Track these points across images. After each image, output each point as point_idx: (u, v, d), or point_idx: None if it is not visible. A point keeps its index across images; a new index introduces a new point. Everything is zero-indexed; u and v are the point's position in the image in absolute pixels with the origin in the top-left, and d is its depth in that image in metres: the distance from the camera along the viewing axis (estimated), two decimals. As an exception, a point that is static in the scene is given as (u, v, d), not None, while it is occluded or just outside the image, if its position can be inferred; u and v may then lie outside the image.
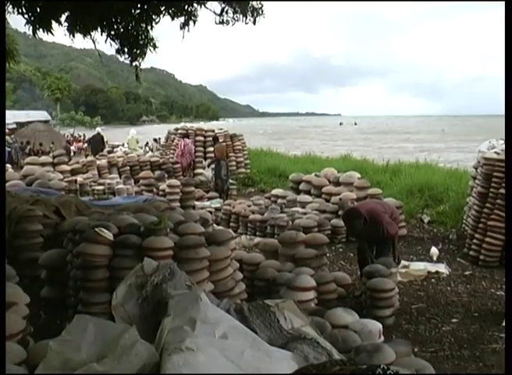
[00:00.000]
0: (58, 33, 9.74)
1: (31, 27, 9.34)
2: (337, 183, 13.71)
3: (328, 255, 9.54)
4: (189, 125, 25.63)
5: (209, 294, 4.38)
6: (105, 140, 36.77)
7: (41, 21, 9.33)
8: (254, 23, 9.98)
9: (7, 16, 9.44)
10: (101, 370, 3.18)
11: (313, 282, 6.87)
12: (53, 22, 9.41)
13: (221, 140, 20.44)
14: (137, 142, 31.53)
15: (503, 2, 4.88)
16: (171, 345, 3.27)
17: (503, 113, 4.65)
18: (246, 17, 9.90)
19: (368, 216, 7.98)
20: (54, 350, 3.47)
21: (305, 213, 12.18)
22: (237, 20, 10.02)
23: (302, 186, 14.61)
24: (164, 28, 11.69)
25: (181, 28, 10.13)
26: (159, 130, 46.52)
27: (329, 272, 8.34)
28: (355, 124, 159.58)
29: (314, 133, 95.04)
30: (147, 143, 35.67)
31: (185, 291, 4.19)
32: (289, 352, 3.70)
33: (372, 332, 5.11)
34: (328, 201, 13.19)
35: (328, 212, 12.35)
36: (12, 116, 50.69)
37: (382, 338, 5.20)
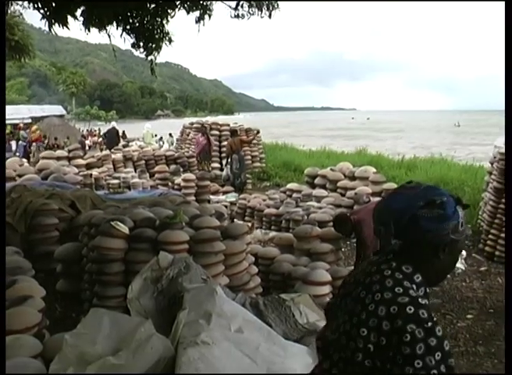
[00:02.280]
0: (74, 28, 9.77)
1: (47, 22, 9.36)
2: (352, 178, 13.64)
3: (343, 249, 9.50)
4: (204, 119, 25.62)
5: (224, 288, 4.37)
6: (121, 134, 36.97)
7: (57, 16, 9.35)
8: (270, 16, 9.95)
9: (23, 11, 9.48)
10: (116, 363, 3.18)
11: (328, 276, 6.83)
12: (69, 16, 9.43)
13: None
14: (152, 136, 31.59)
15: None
16: (186, 339, 3.27)
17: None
18: (261, 11, 9.88)
19: (355, 226, 7.81)
20: (69, 343, 3.48)
21: (320, 207, 12.12)
22: (252, 14, 9.99)
23: (317, 180, 14.54)
24: (179, 22, 11.69)
25: (196, 22, 10.12)
26: (174, 125, 46.54)
27: (345, 266, 8.31)
28: (368, 119, 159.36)
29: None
30: (161, 138, 35.70)
31: (200, 284, 4.19)
32: (305, 347, 3.69)
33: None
34: (343, 195, 13.12)
35: (344, 207, 12.27)
36: (28, 111, 51.00)
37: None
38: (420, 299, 1.94)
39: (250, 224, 11.07)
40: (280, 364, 3.36)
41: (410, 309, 1.88)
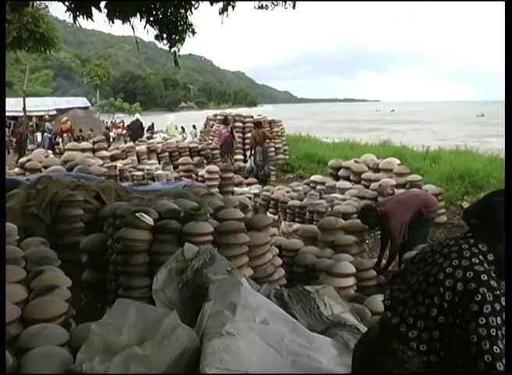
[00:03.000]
0: (98, 20, 9.81)
1: (71, 14, 9.41)
2: (376, 170, 13.58)
3: (367, 241, 9.46)
4: (227, 111, 25.62)
5: (249, 280, 4.38)
6: (149, 125, 37.17)
7: (81, 8, 9.39)
8: (294, 7, 9.89)
9: (48, 3, 9.58)
10: (142, 354, 3.20)
11: (353, 268, 6.82)
12: (93, 8, 9.47)
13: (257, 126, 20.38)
14: (176, 128, 31.66)
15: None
16: (211, 330, 3.28)
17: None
18: (285, 2, 9.83)
19: (381, 217, 7.81)
20: (96, 333, 3.52)
21: (344, 199, 12.07)
22: (276, 5, 9.95)
23: (341, 172, 14.50)
24: (202, 14, 11.68)
25: (220, 13, 10.10)
26: (197, 117, 46.60)
27: (369, 258, 8.29)
28: (392, 111, 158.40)
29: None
30: (183, 129, 35.78)
31: (225, 276, 4.20)
32: (330, 338, 3.68)
33: (413, 320, 5.06)
34: (367, 187, 13.06)
35: (368, 199, 12.22)
36: (53, 103, 51.39)
37: (423, 326, 5.15)
38: (492, 272, 2.32)
39: (276, 217, 11.06)
40: (305, 356, 3.36)
41: (484, 277, 2.28)
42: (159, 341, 3.26)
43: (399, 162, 13.84)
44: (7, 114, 41.92)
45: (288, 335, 3.45)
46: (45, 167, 12.29)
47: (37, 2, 19.38)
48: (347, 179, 14.06)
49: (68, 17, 9.38)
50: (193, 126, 33.67)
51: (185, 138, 27.30)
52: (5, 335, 3.77)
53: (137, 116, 29.60)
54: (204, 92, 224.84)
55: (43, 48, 35.86)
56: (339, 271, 6.71)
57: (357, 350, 2.88)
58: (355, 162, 14.58)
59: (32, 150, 24.69)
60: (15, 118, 41.11)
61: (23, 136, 31.46)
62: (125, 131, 37.48)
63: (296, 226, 10.90)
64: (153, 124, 38.77)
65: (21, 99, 40.53)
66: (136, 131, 25.90)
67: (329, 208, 11.08)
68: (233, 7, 10.00)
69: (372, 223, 8.00)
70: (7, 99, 53.10)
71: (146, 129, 36.04)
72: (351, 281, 6.79)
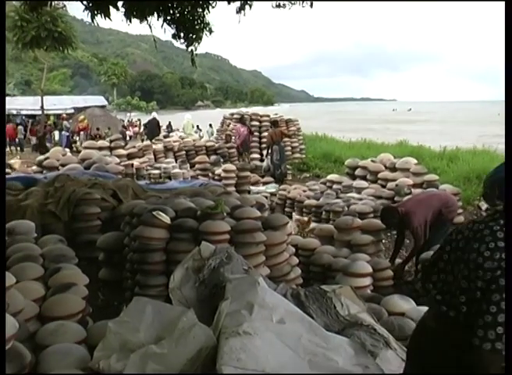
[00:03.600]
0: (115, 19, 9.85)
1: (89, 13, 9.46)
2: (393, 169, 13.53)
3: (383, 241, 9.42)
4: (244, 110, 25.62)
5: (266, 279, 4.38)
6: (166, 124, 37.24)
7: (99, 7, 9.44)
8: (311, 5, 9.87)
9: (66, 3, 9.63)
10: (159, 352, 3.21)
11: (369, 268, 6.80)
12: (110, 7, 9.51)
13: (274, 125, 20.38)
14: (193, 127, 31.71)
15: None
16: (228, 329, 3.28)
17: None
18: (303, 1, 9.81)
19: (403, 217, 7.78)
20: (113, 331, 3.53)
21: (361, 199, 12.03)
22: (294, 4, 9.93)
23: (358, 171, 14.46)
24: (219, 12, 11.70)
25: (237, 12, 10.10)
26: (214, 115, 46.64)
27: (385, 258, 8.26)
28: (409, 110, 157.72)
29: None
30: (198, 128, 35.84)
31: (243, 275, 4.20)
32: (346, 338, 3.67)
33: (429, 320, 5.03)
34: (384, 186, 13.02)
35: (384, 198, 12.18)
36: (70, 101, 51.55)
37: (440, 327, 5.12)
38: None
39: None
40: (322, 355, 3.35)
41: None
42: (176, 339, 3.26)
43: (416, 161, 13.78)
44: (25, 113, 42.24)
45: (305, 335, 3.44)
46: (63, 165, 12.36)
47: (56, 2, 19.49)
48: (364, 178, 14.02)
49: (86, 16, 9.46)
50: (210, 125, 33.69)
51: (201, 137, 27.32)
52: (24, 332, 3.79)
53: (154, 114, 29.63)
54: (220, 91, 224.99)
55: (61, 46, 36.10)
56: (356, 271, 6.69)
57: (417, 351, 2.92)
58: (372, 161, 14.54)
59: (50, 148, 24.87)
60: (33, 116, 41.34)
61: (46, 135, 31.67)
62: (142, 130, 37.55)
63: (312, 225, 10.88)
64: (170, 123, 38.84)
65: (39, 98, 40.80)
66: (153, 130, 25.94)
67: (346, 208, 11.05)
68: (250, 6, 10.01)
69: (393, 223, 7.97)
70: (26, 98, 53.63)
71: (166, 127, 36.15)
72: (368, 281, 6.77)
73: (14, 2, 31.76)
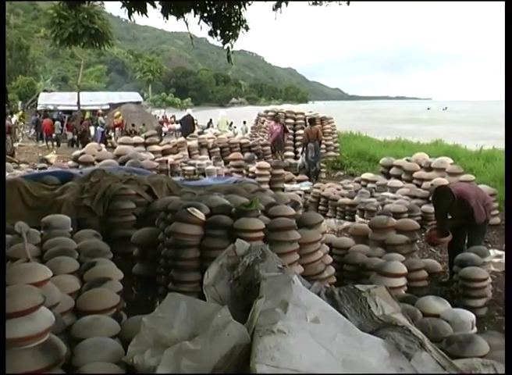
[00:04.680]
0: (151, 16, 9.92)
1: (127, 10, 9.53)
2: (429, 169, 13.42)
3: (418, 241, 9.35)
4: (279, 107, 25.62)
5: (300, 277, 4.36)
6: (208, 122, 37.48)
7: (137, 4, 9.51)
8: (348, 3, 9.81)
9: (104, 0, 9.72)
10: (193, 348, 3.21)
11: (404, 268, 6.74)
12: (147, 4, 9.57)
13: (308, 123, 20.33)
14: (227, 124, 31.78)
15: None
16: (263, 327, 3.26)
17: None
18: (340, -2, 9.76)
19: (458, 197, 7.65)
20: (147, 326, 3.54)
21: (395, 198, 11.98)
22: (331, 0, 9.88)
23: (392, 170, 14.38)
24: (255, 10, 11.70)
25: (273, 9, 10.08)
26: (248, 112, 46.69)
27: (419, 258, 8.18)
28: (444, 109, 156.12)
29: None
30: (232, 124, 35.94)
31: (277, 273, 4.18)
32: (381, 339, 3.63)
33: (465, 322, 4.96)
34: (419, 186, 12.94)
35: (419, 198, 12.10)
36: (106, 97, 52.02)
37: (475, 329, 5.05)
38: None
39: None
40: (356, 356, 3.32)
41: None
42: (210, 336, 3.26)
43: (451, 161, 13.66)
44: (62, 108, 42.76)
45: (339, 334, 3.42)
46: (98, 160, 12.46)
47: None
48: (399, 177, 13.94)
49: (122, 13, 9.53)
50: (244, 122, 33.76)
51: (235, 134, 27.40)
52: (60, 325, 3.82)
53: (189, 111, 29.76)
54: (255, 88, 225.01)
55: (97, 43, 36.49)
56: (391, 271, 6.64)
57: None
58: (407, 160, 14.46)
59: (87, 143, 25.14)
60: (69, 112, 41.81)
61: (86, 131, 32.02)
62: (177, 126, 37.77)
63: (346, 224, 10.85)
64: (211, 120, 39.10)
65: (75, 93, 41.21)
66: (187, 126, 26.05)
67: (380, 207, 11.01)
68: (287, 3, 9.98)
69: (447, 203, 7.76)
70: (62, 93, 54.20)
71: (207, 124, 36.33)
72: (402, 281, 6.71)
73: (53, 0, 32.20)
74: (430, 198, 11.30)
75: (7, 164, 16.09)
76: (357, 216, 11.40)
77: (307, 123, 19.62)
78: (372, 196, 12.45)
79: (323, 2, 9.97)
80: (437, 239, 7.93)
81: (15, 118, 38.52)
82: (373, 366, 3.31)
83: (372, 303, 4.15)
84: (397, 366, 3.35)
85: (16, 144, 25.80)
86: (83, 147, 17.20)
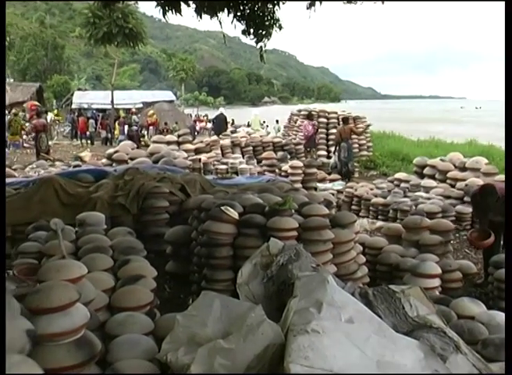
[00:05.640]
0: (185, 15, 9.94)
1: (161, 10, 9.57)
2: (463, 169, 13.30)
3: (452, 242, 9.25)
4: (311, 106, 25.57)
5: (334, 277, 4.34)
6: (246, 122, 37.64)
7: (171, 3, 9.55)
8: (383, 1, 9.73)
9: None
10: (226, 347, 3.21)
11: (438, 269, 6.67)
12: (181, 3, 9.60)
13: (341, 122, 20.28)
14: (260, 123, 31.80)
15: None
16: (297, 326, 3.25)
17: None
18: (375, -4, 9.67)
19: (502, 196, 7.51)
20: (181, 324, 3.55)
21: (429, 198, 11.88)
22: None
23: (426, 170, 14.29)
24: (288, 8, 11.68)
25: (307, 8, 10.03)
26: (281, 111, 46.67)
27: (454, 259, 8.10)
28: (478, 108, 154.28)
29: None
30: (264, 123, 35.96)
31: (312, 272, 4.16)
32: (415, 341, 3.60)
33: (500, 325, 4.87)
34: (453, 186, 12.83)
35: (453, 198, 11.99)
36: (139, 96, 52.38)
37: (511, 332, 4.98)
38: None
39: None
40: (390, 357, 3.29)
41: None
42: (244, 335, 3.26)
43: (486, 161, 13.51)
44: (96, 107, 43.18)
45: (373, 335, 3.39)
46: (132, 159, 12.55)
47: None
48: (432, 177, 13.85)
49: (156, 13, 9.56)
50: (276, 121, 33.77)
51: (268, 133, 27.42)
52: (94, 321, 3.85)
53: (221, 110, 29.85)
54: (287, 87, 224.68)
55: (131, 42, 36.83)
56: (425, 271, 6.57)
57: None
58: (441, 160, 14.36)
59: (120, 141, 25.34)
60: (103, 110, 42.18)
61: (139, 134, 32.22)
62: (209, 125, 37.92)
63: (379, 223, 10.79)
64: (232, 121, 39.20)
65: (109, 92, 41.62)
66: (220, 125, 26.13)
67: (413, 207, 10.94)
68: (321, 1, 9.92)
69: (491, 203, 7.63)
70: (96, 92, 54.77)
71: (246, 124, 36.47)
72: (436, 282, 6.65)
73: (87, -1, 32.62)
74: (465, 198, 11.21)
75: (42, 162, 16.34)
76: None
77: (340, 122, 19.56)
78: (406, 196, 12.37)
79: (357, 1, 9.89)
80: (479, 242, 7.80)
81: (50, 116, 38.93)
82: (407, 367, 3.28)
83: (406, 304, 4.12)
84: (432, 367, 3.32)
85: (51, 142, 26.07)
86: (138, 147, 17.35)
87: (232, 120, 39.84)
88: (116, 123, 34.95)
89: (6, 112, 33.89)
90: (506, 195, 6.25)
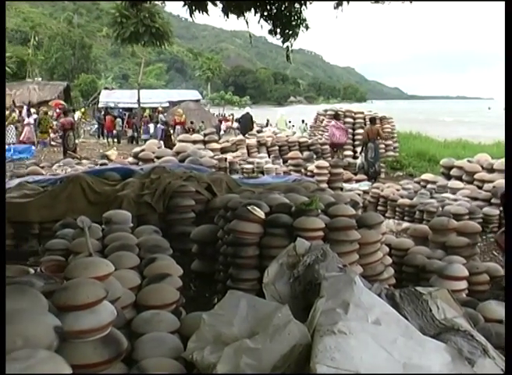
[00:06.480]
0: (212, 15, 9.97)
1: (188, 9, 9.61)
2: (491, 170, 13.18)
3: (479, 244, 9.17)
4: (338, 106, 25.53)
5: (361, 278, 4.31)
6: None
7: (198, 3, 9.58)
8: (411, 1, 9.67)
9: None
10: (253, 347, 3.20)
11: (465, 271, 6.59)
12: (209, 3, 9.64)
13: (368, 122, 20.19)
14: (286, 123, 31.78)
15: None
16: (323, 327, 3.24)
17: None
18: (402, -4, 9.62)
19: None
20: (207, 323, 3.55)
21: (456, 200, 11.80)
22: (393, -1, 9.76)
23: (453, 171, 14.19)
24: (314, 8, 11.66)
25: (334, 8, 10.01)
26: (306, 111, 46.62)
27: (481, 261, 8.02)
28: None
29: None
30: (290, 122, 35.94)
31: (339, 273, 4.15)
32: (443, 344, 3.56)
33: (529, 328, 4.84)
34: (480, 188, 12.73)
35: (481, 200, 11.89)
36: (165, 95, 52.70)
37: (540, 337, 4.91)
38: None
39: None
40: (417, 360, 3.26)
41: None
42: (270, 335, 3.25)
43: (515, 162, 13.35)
44: (123, 105, 43.52)
45: (400, 337, 3.37)
46: (158, 157, 12.60)
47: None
48: (459, 179, 13.75)
49: (183, 12, 9.65)
50: (302, 121, 33.73)
51: (294, 133, 27.41)
52: (121, 319, 3.87)
53: (247, 109, 29.89)
54: (313, 87, 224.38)
55: (158, 42, 37.09)
56: (452, 273, 6.50)
57: None
58: (468, 161, 14.25)
59: (145, 140, 25.45)
60: (129, 109, 42.45)
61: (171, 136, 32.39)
62: (235, 124, 38.00)
63: (405, 224, 10.73)
64: (268, 121, 39.24)
65: (136, 91, 41.92)
66: (246, 124, 26.15)
67: (440, 208, 10.86)
68: (348, 1, 9.88)
69: None
70: (123, 91, 55.21)
71: (265, 123, 36.52)
72: (463, 285, 6.57)
73: (115, -1, 32.89)
74: (493, 200, 11.10)
75: (69, 160, 16.48)
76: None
77: (367, 123, 19.50)
78: (432, 197, 12.30)
79: (385, 1, 9.85)
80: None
81: (77, 115, 39.28)
82: (434, 370, 3.25)
83: (434, 306, 4.08)
84: (459, 371, 3.29)
85: (78, 141, 26.31)
86: (169, 147, 17.43)
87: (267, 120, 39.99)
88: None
89: (34, 110, 34.29)
90: (506, 195, 6.18)
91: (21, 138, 27.85)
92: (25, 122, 29.52)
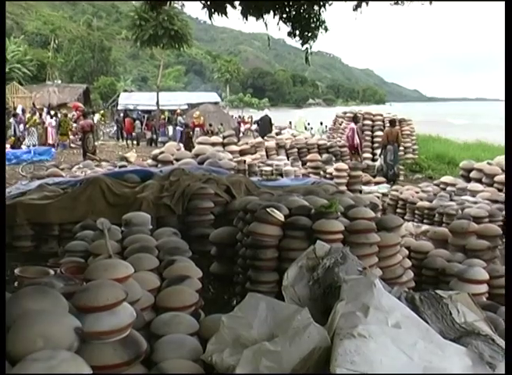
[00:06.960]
0: (230, 17, 10.00)
1: (207, 12, 9.64)
2: (511, 173, 13.08)
3: (499, 247, 9.11)
4: (357, 109, 25.48)
5: (381, 281, 4.30)
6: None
7: (217, 5, 9.62)
8: (431, 2, 9.63)
9: (185, 2, 9.92)
10: (272, 350, 3.20)
11: (486, 275, 6.54)
12: (228, 6, 9.67)
13: (387, 125, 20.12)
14: (305, 125, 31.74)
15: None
16: (343, 330, 3.23)
17: None
18: (422, -3, 9.60)
19: None
20: (226, 325, 3.55)
21: (475, 202, 11.72)
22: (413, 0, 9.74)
23: (473, 174, 14.11)
24: (333, 10, 11.67)
25: (354, 10, 10.00)
26: (325, 113, 46.54)
27: (501, 265, 7.96)
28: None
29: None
30: (309, 124, 35.90)
31: (359, 276, 4.13)
32: (463, 348, 3.54)
33: (551, 332, 4.79)
34: (500, 190, 12.63)
35: (501, 203, 11.78)
36: (184, 98, 52.80)
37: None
38: None
39: None
40: (437, 363, 3.24)
41: None
42: (290, 337, 3.24)
43: (537, 165, 13.25)
44: (142, 108, 43.73)
45: (420, 341, 3.35)
46: (177, 160, 12.65)
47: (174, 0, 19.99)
48: (479, 181, 13.67)
49: (201, 14, 9.73)
50: (321, 123, 33.69)
51: (313, 135, 27.38)
52: (140, 320, 3.88)
53: (266, 111, 29.93)
54: (331, 89, 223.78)
55: (177, 44, 37.28)
56: (472, 277, 6.46)
57: None
58: (488, 164, 14.16)
59: (164, 142, 25.51)
60: (148, 111, 42.62)
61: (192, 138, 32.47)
62: (254, 126, 38.02)
63: (424, 227, 10.67)
64: (290, 123, 39.20)
65: (155, 93, 42.08)
66: (265, 127, 26.18)
67: (460, 211, 10.78)
68: (367, 3, 9.87)
69: None
70: (142, 93, 55.48)
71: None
72: (484, 288, 6.52)
73: (134, 2, 33.02)
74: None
75: (89, 162, 16.58)
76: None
77: (386, 125, 19.44)
78: (452, 200, 12.22)
79: (405, 2, 9.82)
80: None
81: (97, 117, 39.51)
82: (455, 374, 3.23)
83: (454, 310, 4.05)
84: (480, 375, 3.27)
85: (97, 143, 26.47)
86: (189, 149, 17.45)
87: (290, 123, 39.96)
88: None
89: (53, 112, 34.52)
90: (506, 195, 6.13)
91: (48, 141, 28.28)
92: (46, 124, 29.80)
